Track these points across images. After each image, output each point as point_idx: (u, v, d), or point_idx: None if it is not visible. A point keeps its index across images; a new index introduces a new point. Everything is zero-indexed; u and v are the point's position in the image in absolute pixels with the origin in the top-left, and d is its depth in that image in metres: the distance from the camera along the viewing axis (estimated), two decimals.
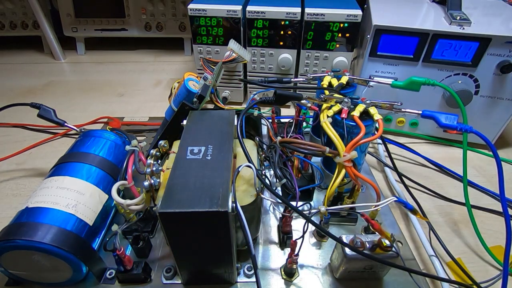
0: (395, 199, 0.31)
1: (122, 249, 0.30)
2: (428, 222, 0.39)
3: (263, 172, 0.34)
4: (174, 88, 0.50)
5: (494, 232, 0.41)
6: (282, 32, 0.56)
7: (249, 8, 0.54)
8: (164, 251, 0.35)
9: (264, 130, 0.46)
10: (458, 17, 0.47)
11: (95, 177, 0.35)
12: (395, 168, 0.44)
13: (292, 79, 0.45)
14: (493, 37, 0.44)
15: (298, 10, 0.54)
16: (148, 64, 0.83)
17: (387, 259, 0.28)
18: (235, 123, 0.33)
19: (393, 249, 0.29)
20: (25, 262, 0.29)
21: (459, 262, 0.36)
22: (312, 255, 0.36)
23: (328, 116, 0.34)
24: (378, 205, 0.30)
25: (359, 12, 0.53)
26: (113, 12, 0.81)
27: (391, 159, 0.45)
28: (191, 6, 0.55)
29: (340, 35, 0.55)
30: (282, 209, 0.38)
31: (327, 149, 0.30)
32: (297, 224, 0.38)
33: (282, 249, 0.36)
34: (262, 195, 0.29)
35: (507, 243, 0.31)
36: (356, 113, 0.33)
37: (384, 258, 0.28)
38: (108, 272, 0.33)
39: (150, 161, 0.30)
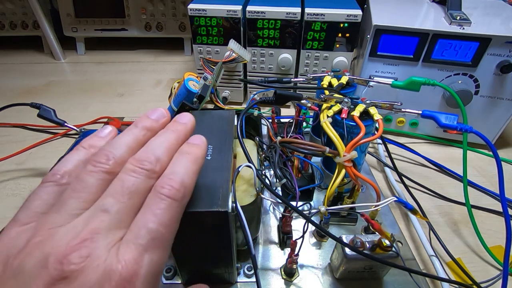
0: (395, 199, 0.31)
1: None
2: (428, 222, 0.39)
3: (263, 172, 0.34)
4: (174, 88, 0.50)
5: (494, 232, 0.41)
6: (282, 32, 0.56)
7: (249, 8, 0.54)
8: None
9: (264, 130, 0.46)
10: (458, 17, 0.47)
11: None
12: (395, 168, 0.44)
13: (292, 79, 0.45)
14: (493, 37, 0.44)
15: (298, 10, 0.54)
16: (148, 64, 0.83)
17: (387, 259, 0.28)
18: (235, 123, 0.33)
19: (393, 249, 0.29)
20: None
21: (459, 262, 0.36)
22: (312, 255, 0.36)
23: (328, 116, 0.34)
24: (378, 205, 0.30)
25: (359, 12, 0.53)
26: (113, 12, 0.81)
27: (391, 159, 0.45)
28: (191, 6, 0.55)
29: (340, 35, 0.55)
30: (282, 209, 0.38)
31: (327, 149, 0.30)
32: (297, 224, 0.38)
33: (282, 249, 0.36)
34: (262, 195, 0.29)
35: (507, 243, 0.31)
36: (356, 113, 0.33)
37: (384, 258, 0.28)
38: None
39: None
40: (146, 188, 0.18)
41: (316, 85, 0.44)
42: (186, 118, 0.21)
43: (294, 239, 0.30)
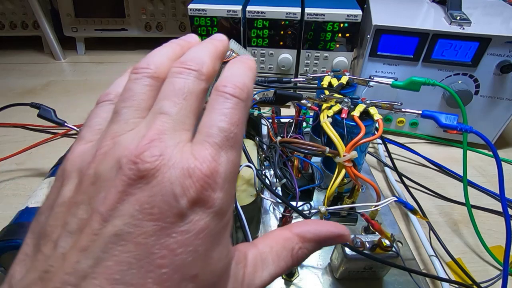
0: (395, 199, 0.31)
1: None
2: (428, 222, 0.39)
3: (263, 172, 0.34)
4: None
5: (494, 232, 0.41)
6: (282, 32, 0.56)
7: (249, 8, 0.54)
8: None
9: (264, 130, 0.46)
10: (458, 17, 0.47)
11: None
12: (395, 168, 0.44)
13: (292, 79, 0.45)
14: (493, 37, 0.44)
15: (298, 10, 0.54)
16: None
17: (387, 259, 0.28)
18: None
19: (393, 249, 0.29)
20: None
21: (459, 262, 0.36)
22: (312, 255, 0.35)
23: (328, 116, 0.34)
24: (378, 205, 0.30)
25: (359, 12, 0.53)
26: (113, 12, 0.81)
27: (391, 159, 0.45)
28: (191, 6, 0.55)
29: (340, 35, 0.55)
30: (282, 209, 0.38)
31: (327, 149, 0.30)
32: None
33: None
34: (262, 195, 0.29)
35: (507, 243, 0.31)
36: (356, 113, 0.33)
37: (384, 258, 0.28)
38: None
39: None
40: (198, 90, 0.17)
41: (316, 85, 0.44)
42: (221, 36, 0.21)
43: None
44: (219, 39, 0.20)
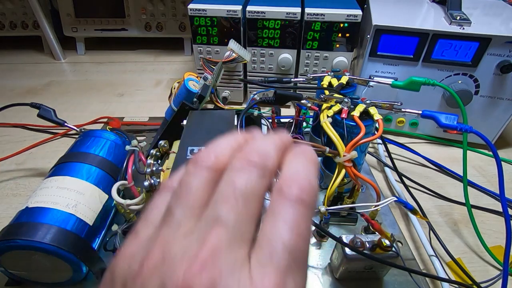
0: (395, 199, 0.31)
1: None
2: (428, 222, 0.39)
3: None
4: (174, 88, 0.50)
5: (494, 232, 0.41)
6: (282, 32, 0.56)
7: (249, 8, 0.54)
8: None
9: (264, 130, 0.46)
10: (458, 17, 0.47)
11: (95, 177, 0.35)
12: (395, 168, 0.44)
13: (292, 79, 0.45)
14: (493, 37, 0.44)
15: (298, 10, 0.54)
16: (148, 64, 0.83)
17: (387, 259, 0.28)
18: (235, 123, 0.33)
19: (393, 249, 0.29)
20: (25, 262, 0.29)
21: (459, 262, 0.36)
22: (312, 255, 0.36)
23: (328, 116, 0.34)
24: (378, 205, 0.30)
25: (359, 12, 0.53)
26: (113, 12, 0.81)
27: (391, 159, 0.45)
28: (191, 6, 0.55)
29: (340, 35, 0.55)
30: None
31: (327, 149, 0.30)
32: None
33: None
34: None
35: (507, 243, 0.31)
36: (356, 113, 0.33)
37: (384, 258, 0.28)
38: None
39: (150, 161, 0.30)
40: (261, 190, 0.15)
41: (316, 85, 0.44)
42: (286, 134, 0.18)
43: None
44: (284, 134, 0.17)
